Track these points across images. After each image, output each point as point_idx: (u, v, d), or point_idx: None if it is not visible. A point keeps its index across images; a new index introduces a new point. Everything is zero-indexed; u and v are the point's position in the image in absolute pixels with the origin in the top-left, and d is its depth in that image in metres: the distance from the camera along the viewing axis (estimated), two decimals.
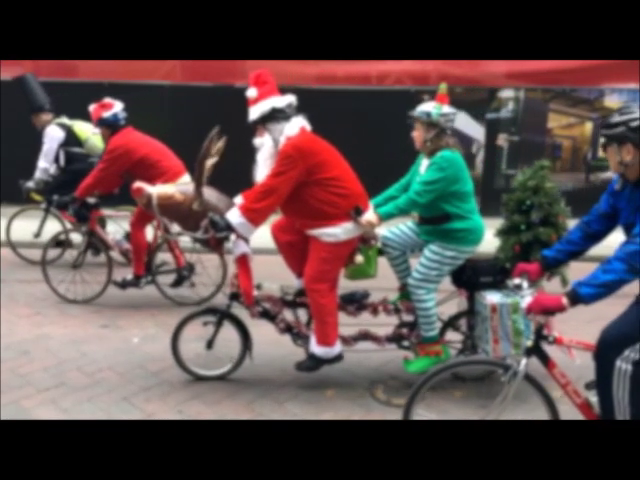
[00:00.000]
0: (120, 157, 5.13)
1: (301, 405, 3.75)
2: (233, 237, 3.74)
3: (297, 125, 3.64)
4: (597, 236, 2.96)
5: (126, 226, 5.63)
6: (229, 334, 3.99)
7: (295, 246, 3.92)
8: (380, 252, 4.01)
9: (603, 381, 2.70)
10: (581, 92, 8.68)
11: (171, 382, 4.01)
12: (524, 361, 2.74)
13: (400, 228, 4.02)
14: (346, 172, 3.74)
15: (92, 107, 5.32)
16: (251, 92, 3.64)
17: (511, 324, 2.73)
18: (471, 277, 3.71)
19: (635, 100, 8.42)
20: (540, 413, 2.92)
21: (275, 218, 4.02)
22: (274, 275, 4.47)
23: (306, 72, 8.56)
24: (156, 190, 3.85)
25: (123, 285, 5.40)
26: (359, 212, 3.63)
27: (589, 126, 8.75)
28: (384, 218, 3.65)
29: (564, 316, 2.75)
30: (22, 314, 5.21)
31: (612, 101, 8.58)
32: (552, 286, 3.73)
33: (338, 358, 3.85)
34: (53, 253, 6.10)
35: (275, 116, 3.62)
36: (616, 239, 2.80)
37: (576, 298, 2.58)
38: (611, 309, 2.87)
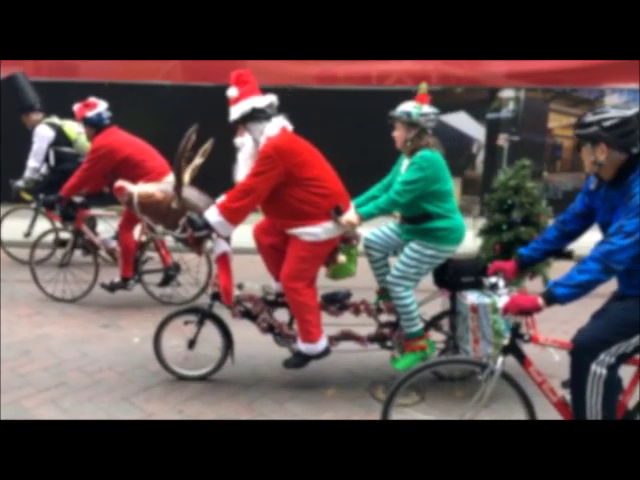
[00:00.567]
0: (104, 157, 5.14)
1: (301, 405, 3.75)
2: (215, 236, 3.74)
3: (278, 125, 3.64)
4: (572, 235, 2.98)
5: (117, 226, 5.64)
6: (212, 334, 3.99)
7: (277, 248, 3.92)
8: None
9: (577, 385, 2.71)
10: (582, 92, 8.66)
11: (171, 382, 4.01)
12: (500, 359, 2.74)
13: (382, 230, 4.03)
14: (327, 172, 3.76)
15: (76, 106, 5.34)
16: (232, 92, 3.64)
17: (491, 324, 2.73)
18: (452, 277, 3.70)
19: (635, 100, 8.42)
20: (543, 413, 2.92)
21: (257, 219, 4.02)
22: (256, 275, 4.45)
23: (306, 72, 8.56)
24: (137, 189, 3.87)
25: (111, 288, 5.40)
26: (339, 212, 3.64)
27: None
28: (365, 218, 3.67)
29: (541, 316, 2.76)
30: (22, 314, 5.21)
31: (613, 101, 8.57)
32: (535, 286, 3.72)
33: (324, 353, 3.85)
34: (43, 252, 6.14)
35: (255, 116, 3.62)
36: (591, 238, 2.82)
37: (552, 298, 2.59)
38: (587, 310, 2.90)
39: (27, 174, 6.11)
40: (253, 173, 3.55)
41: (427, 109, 3.70)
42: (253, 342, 3.99)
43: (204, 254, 4.97)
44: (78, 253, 6.00)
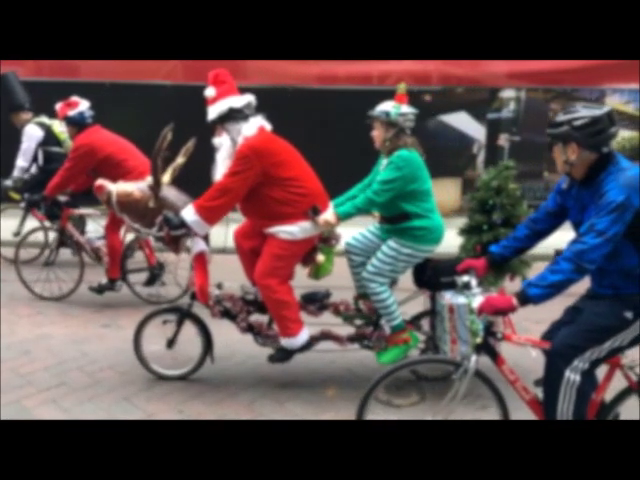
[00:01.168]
0: (85, 155, 5.16)
1: (302, 405, 3.75)
2: (193, 236, 3.74)
3: (255, 125, 3.65)
4: (542, 234, 2.99)
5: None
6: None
7: (257, 253, 3.90)
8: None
9: (551, 390, 2.73)
10: (582, 92, 8.66)
11: (172, 382, 4.01)
12: (474, 358, 2.75)
13: (363, 234, 4.04)
14: (305, 172, 3.76)
15: (58, 105, 5.36)
16: (209, 91, 3.66)
17: (468, 324, 2.74)
18: (432, 277, 3.68)
19: (636, 100, 8.43)
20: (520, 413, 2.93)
21: (237, 216, 4.01)
22: (236, 274, 4.40)
23: (307, 72, 8.56)
24: (116, 187, 3.89)
25: (99, 290, 5.42)
26: (316, 212, 3.65)
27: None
28: (342, 218, 3.67)
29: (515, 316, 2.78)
30: (23, 314, 5.21)
31: (613, 101, 8.57)
32: (516, 286, 3.73)
33: (307, 346, 3.85)
34: (35, 251, 6.19)
35: (233, 116, 3.63)
36: (562, 238, 2.83)
37: (525, 298, 2.60)
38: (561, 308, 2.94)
39: (15, 173, 6.12)
40: (230, 173, 3.56)
41: (406, 109, 3.73)
42: (252, 342, 3.99)
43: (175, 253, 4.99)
44: (67, 252, 6.00)
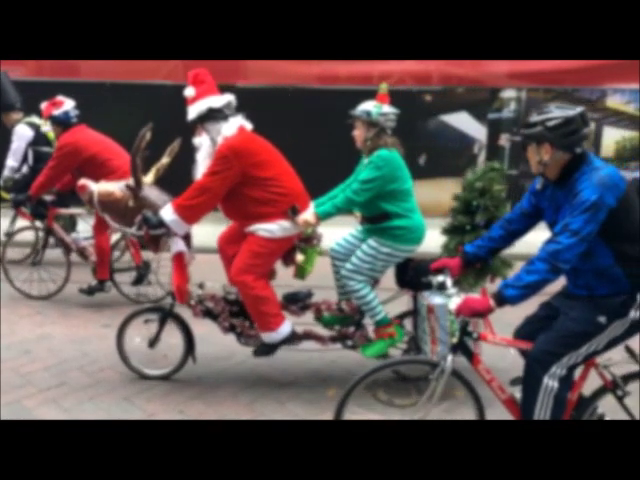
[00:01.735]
0: (69, 154, 5.18)
1: (302, 405, 3.75)
2: (172, 235, 3.74)
3: (235, 125, 3.65)
4: (517, 234, 3.01)
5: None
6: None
7: None
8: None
9: (529, 396, 2.75)
10: (583, 92, 8.66)
11: (172, 382, 4.01)
12: (450, 357, 2.76)
13: (346, 239, 4.04)
14: (285, 171, 3.77)
15: (43, 105, 5.37)
16: (189, 91, 3.66)
17: (448, 325, 2.74)
18: (413, 277, 3.69)
19: (636, 100, 8.42)
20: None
21: (219, 215, 4.02)
22: (218, 274, 4.38)
23: (308, 72, 8.57)
24: (97, 187, 3.91)
25: (89, 291, 5.43)
26: (295, 211, 3.65)
27: (591, 126, 8.73)
28: (322, 217, 3.68)
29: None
30: (23, 314, 5.21)
31: (614, 101, 8.57)
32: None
33: (290, 339, 3.84)
34: (25, 251, 6.20)
35: (212, 116, 3.64)
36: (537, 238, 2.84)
37: (502, 299, 2.61)
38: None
39: (5, 173, 6.12)
40: (209, 172, 3.57)
41: (387, 109, 3.74)
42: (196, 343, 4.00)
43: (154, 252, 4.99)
44: (55, 251, 5.99)
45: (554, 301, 2.88)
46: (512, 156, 8.77)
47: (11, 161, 6.10)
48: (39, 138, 6.15)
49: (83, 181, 3.95)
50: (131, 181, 3.82)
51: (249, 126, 3.75)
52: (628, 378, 2.81)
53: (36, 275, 5.61)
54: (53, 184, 5.37)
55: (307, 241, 3.87)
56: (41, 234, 5.74)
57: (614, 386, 2.81)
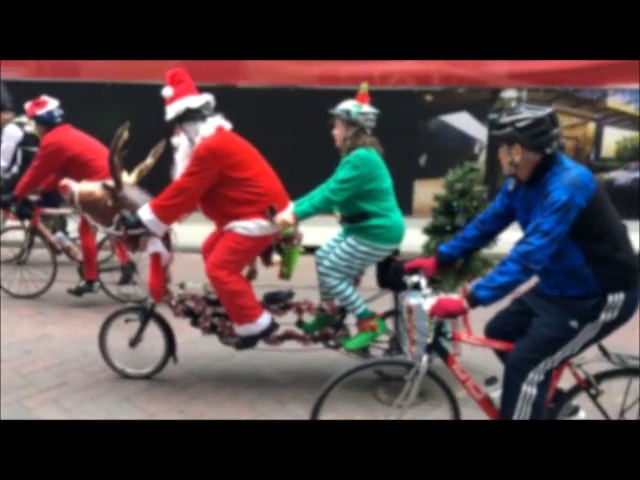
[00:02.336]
0: (52, 154, 5.19)
1: (303, 405, 3.75)
2: (150, 235, 3.75)
3: (213, 125, 3.65)
4: (491, 234, 3.02)
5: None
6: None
7: None
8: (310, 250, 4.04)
9: (508, 403, 2.76)
10: (584, 92, 8.66)
11: (173, 382, 4.02)
12: (425, 358, 2.76)
13: (329, 244, 4.04)
14: (264, 171, 3.78)
15: (27, 104, 5.38)
16: (167, 91, 3.68)
17: (427, 325, 2.74)
18: (394, 277, 3.65)
19: (636, 100, 8.42)
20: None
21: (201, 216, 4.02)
22: (203, 274, 4.41)
23: (308, 72, 8.56)
24: (78, 187, 3.91)
25: (78, 292, 5.43)
26: (273, 211, 3.65)
27: (592, 126, 8.73)
28: (301, 217, 3.67)
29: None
30: (24, 314, 5.22)
31: (615, 101, 8.57)
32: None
33: (270, 329, 3.83)
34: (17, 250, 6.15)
35: (190, 116, 3.64)
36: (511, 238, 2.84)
37: (475, 301, 2.62)
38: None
39: None
40: (187, 173, 3.58)
41: (367, 108, 3.75)
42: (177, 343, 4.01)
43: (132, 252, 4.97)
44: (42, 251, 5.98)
45: (526, 298, 2.89)
46: None
47: (0, 161, 6.11)
48: (29, 138, 6.14)
49: (65, 181, 3.96)
50: (110, 181, 3.82)
51: (228, 126, 3.75)
52: (601, 377, 2.82)
53: (18, 275, 5.62)
54: (38, 184, 5.38)
55: (287, 241, 3.87)
56: (27, 234, 5.74)
57: (588, 385, 2.83)
